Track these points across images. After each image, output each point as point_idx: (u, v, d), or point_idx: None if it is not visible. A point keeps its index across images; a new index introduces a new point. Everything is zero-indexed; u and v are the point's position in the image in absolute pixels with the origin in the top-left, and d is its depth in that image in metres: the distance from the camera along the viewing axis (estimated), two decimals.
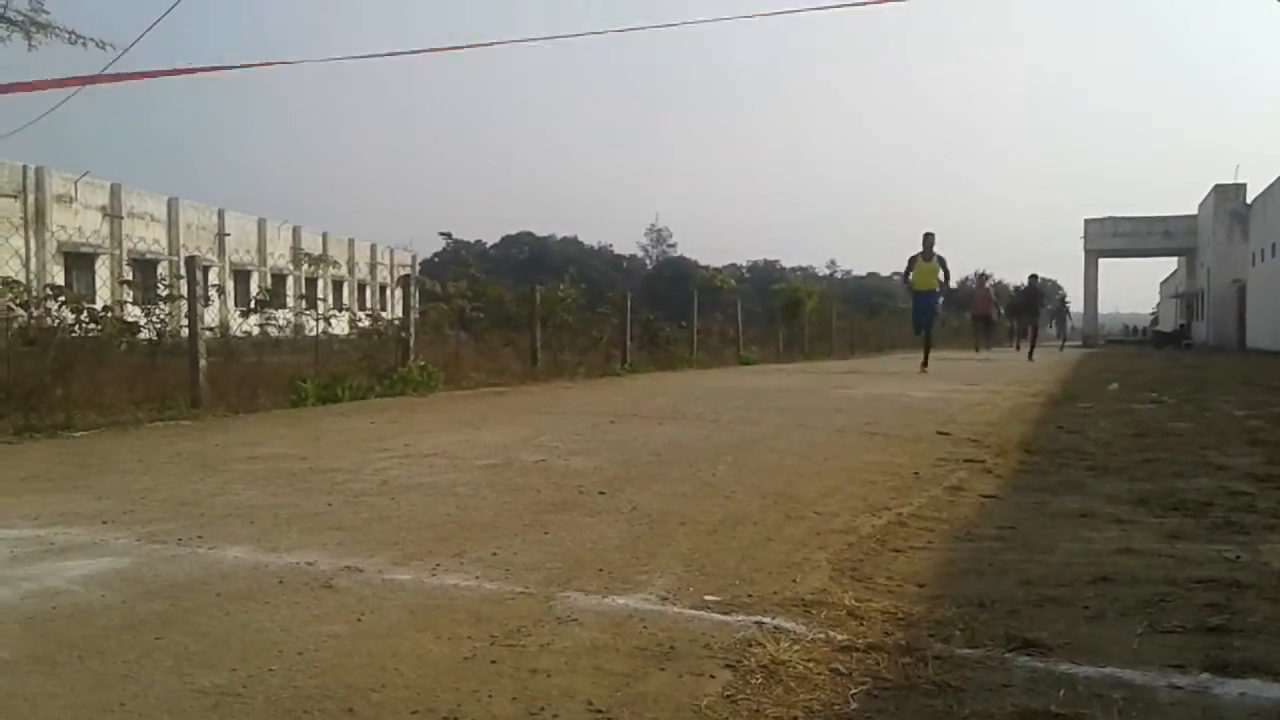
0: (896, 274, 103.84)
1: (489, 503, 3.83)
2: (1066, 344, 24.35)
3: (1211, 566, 2.90)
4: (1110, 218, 46.38)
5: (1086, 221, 46.60)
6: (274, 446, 5.45)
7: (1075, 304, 50.24)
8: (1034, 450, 5.58)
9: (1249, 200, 36.54)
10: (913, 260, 15.17)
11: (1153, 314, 70.73)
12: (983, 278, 25.70)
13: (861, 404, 8.73)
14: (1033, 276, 23.03)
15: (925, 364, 14.53)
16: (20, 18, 8.98)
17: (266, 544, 3.06)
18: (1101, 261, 47.22)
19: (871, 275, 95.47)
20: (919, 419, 7.26)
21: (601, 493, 4.05)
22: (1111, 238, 46.08)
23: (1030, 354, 20.41)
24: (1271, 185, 32.29)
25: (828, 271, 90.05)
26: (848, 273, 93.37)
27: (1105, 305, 53.74)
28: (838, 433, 6.33)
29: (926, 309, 15.42)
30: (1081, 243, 46.63)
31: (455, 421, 6.97)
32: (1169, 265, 57.61)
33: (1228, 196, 38.30)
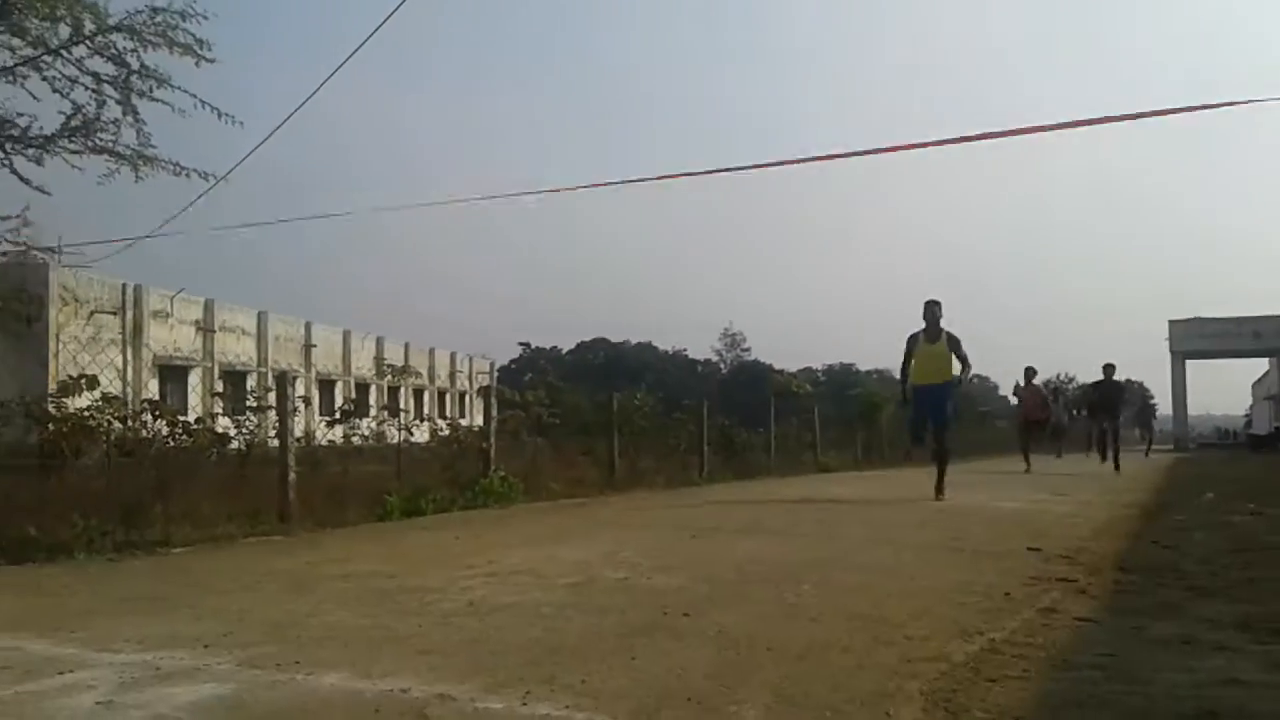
0: (977, 376, 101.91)
1: (575, 625, 3.85)
2: (1153, 448, 20.04)
3: None
4: (1196, 318, 45.41)
5: (1171, 323, 45.66)
6: (363, 564, 5.55)
7: (1163, 406, 48.94)
8: (1129, 568, 5.43)
9: None
10: (912, 341, 10.54)
11: (1246, 416, 68.45)
12: (1031, 372, 19.22)
13: (946, 515, 8.58)
14: (1109, 367, 18.82)
15: (940, 491, 10.27)
16: (129, 152, 9.58)
17: (361, 669, 3.12)
18: (1189, 363, 46.08)
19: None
20: (1008, 533, 7.12)
21: (686, 614, 4.04)
22: (1198, 339, 45.02)
23: (1116, 462, 17.54)
24: None
25: None
26: None
27: (1195, 407, 52.19)
28: (923, 548, 6.23)
29: (935, 409, 10.52)
30: (1166, 344, 45.63)
31: (537, 536, 7.02)
32: (1261, 366, 55.99)
33: None
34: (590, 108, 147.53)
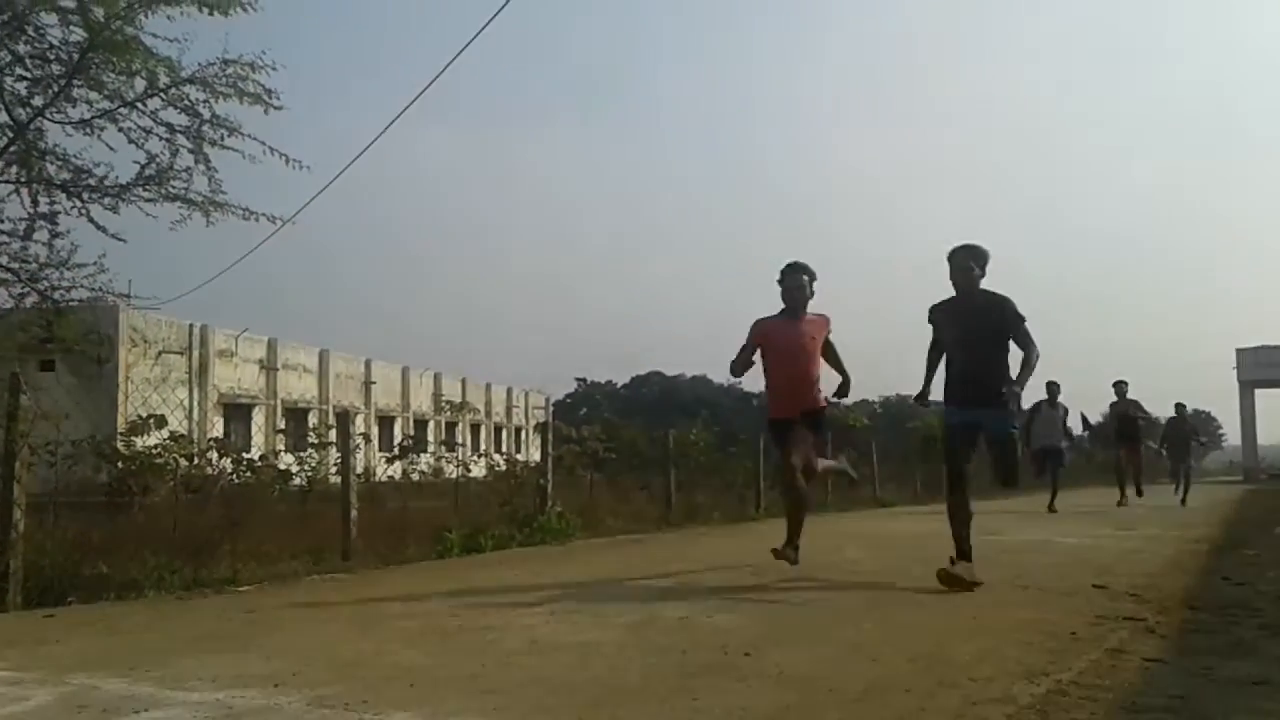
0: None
1: (635, 664, 3.86)
2: (1189, 490, 17.17)
3: None
4: (1264, 347, 44.35)
5: (1239, 351, 44.65)
6: (426, 602, 5.62)
7: (1231, 436, 47.65)
8: (1199, 606, 5.31)
9: None
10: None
11: None
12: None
13: (1009, 552, 8.46)
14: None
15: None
16: (200, 199, 9.89)
17: (428, 709, 3.17)
18: (1258, 391, 44.97)
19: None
20: (1072, 569, 7.00)
21: (747, 654, 4.04)
22: (1267, 367, 43.93)
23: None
24: None
25: None
26: None
27: (1265, 436, 50.76)
28: (986, 586, 6.14)
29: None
30: (1235, 373, 44.59)
31: (596, 574, 7.05)
32: None
33: None
34: (634, 139, 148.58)
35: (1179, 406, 18.83)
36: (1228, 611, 5.11)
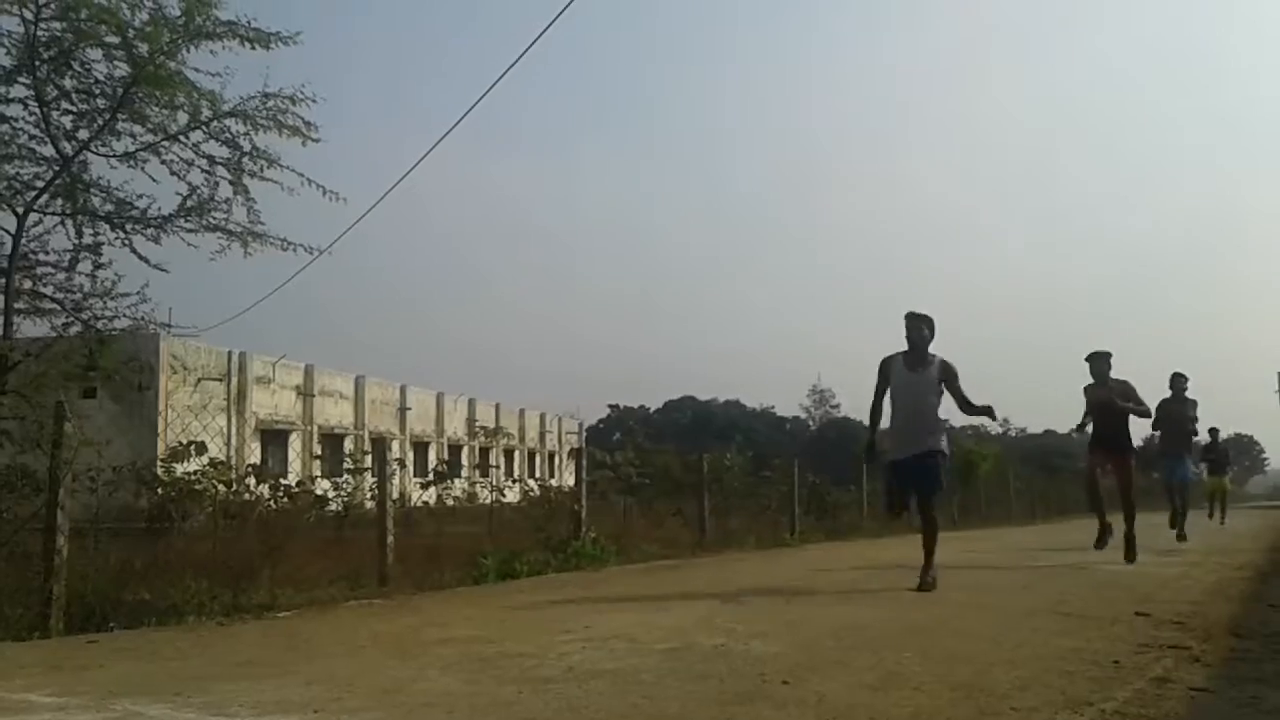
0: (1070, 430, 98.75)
1: (673, 693, 3.85)
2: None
3: None
4: None
5: None
6: (462, 628, 5.64)
7: (1275, 459, 46.85)
8: (1244, 634, 5.23)
9: None
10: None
11: None
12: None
13: (1049, 578, 8.36)
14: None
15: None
16: (240, 230, 10.04)
17: None
18: None
19: (1048, 433, 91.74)
20: (1114, 596, 6.91)
21: (785, 682, 4.01)
22: None
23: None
24: None
25: (1001, 430, 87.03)
26: (1022, 431, 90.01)
27: None
28: (1027, 614, 6.08)
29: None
30: (1277, 396, 43.85)
31: (631, 600, 7.04)
32: None
33: None
34: (678, 152, 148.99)
35: (1213, 431, 17.92)
36: (1274, 639, 5.03)
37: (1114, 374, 10.02)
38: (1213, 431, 18.45)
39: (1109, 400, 9.81)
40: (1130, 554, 9.56)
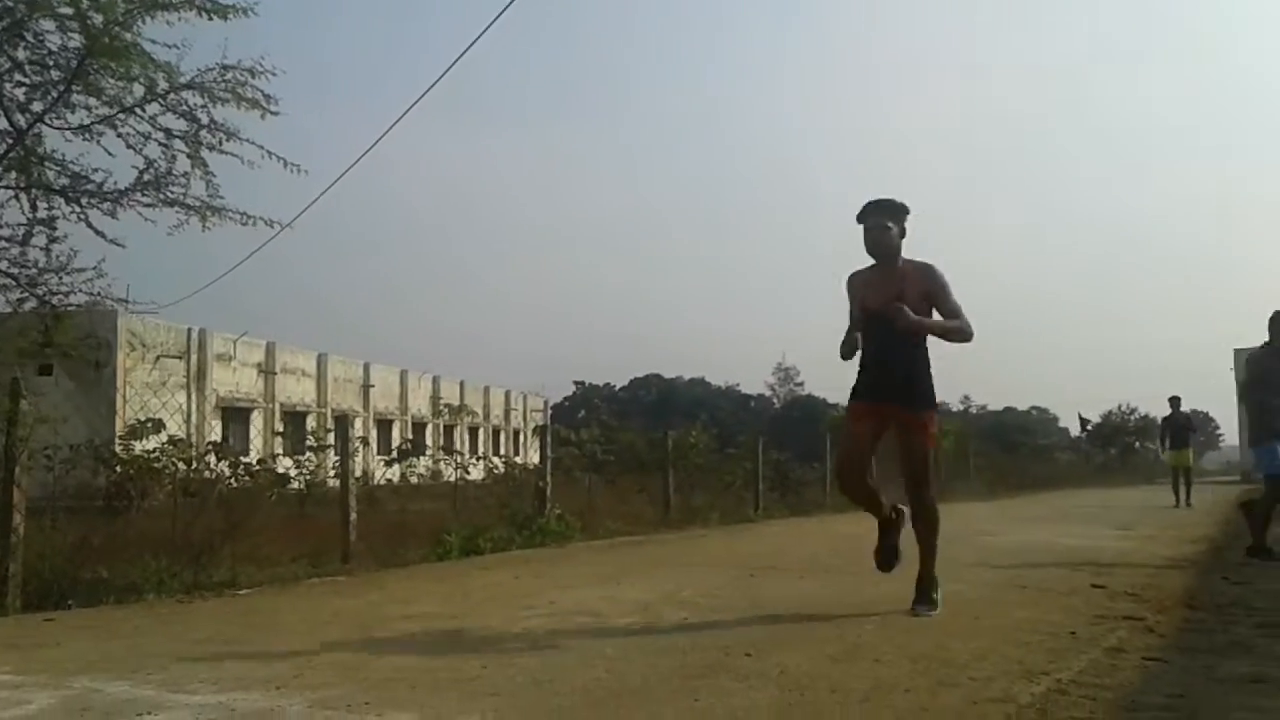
0: (1036, 408, 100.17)
1: (637, 666, 3.87)
2: (1189, 485, 17.00)
3: None
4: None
5: (1236, 352, 44.69)
6: (425, 604, 5.63)
7: (1229, 436, 47.81)
8: (1198, 605, 5.34)
9: None
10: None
11: None
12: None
13: (1008, 553, 8.47)
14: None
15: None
16: (198, 203, 9.90)
17: (429, 711, 3.17)
18: None
19: (1009, 409, 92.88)
20: (1071, 570, 7.01)
21: (748, 654, 4.05)
22: None
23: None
24: None
25: (962, 407, 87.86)
26: (983, 408, 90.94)
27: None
28: (986, 586, 6.16)
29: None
30: (1232, 374, 44.66)
31: (596, 576, 7.05)
32: None
33: None
34: (671, 137, 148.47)
35: (1174, 401, 17.72)
36: (1226, 611, 5.14)
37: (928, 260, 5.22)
38: (1174, 401, 17.61)
39: (893, 308, 4.96)
40: (922, 600, 5.12)
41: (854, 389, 5.30)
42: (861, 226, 5.14)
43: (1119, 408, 55.18)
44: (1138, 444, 49.25)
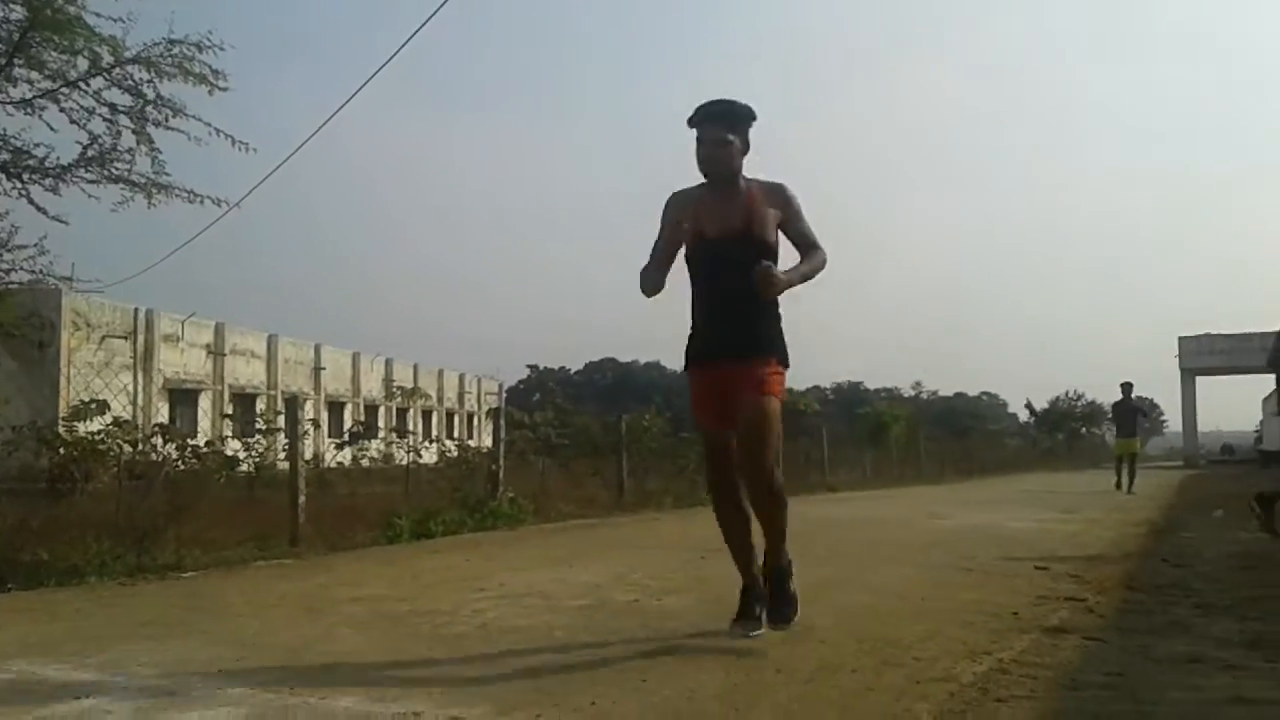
0: (986, 394, 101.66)
1: (585, 648, 3.88)
2: (1132, 473, 16.87)
3: None
4: (1206, 335, 45.38)
5: (1181, 339, 45.63)
6: (374, 587, 5.59)
7: (1173, 422, 48.81)
8: (1138, 587, 5.45)
9: None
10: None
11: (1256, 432, 68.08)
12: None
13: (956, 535, 8.59)
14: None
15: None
16: (143, 180, 9.68)
17: (374, 693, 3.15)
18: (1199, 379, 45.99)
19: (959, 395, 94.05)
20: (1016, 552, 7.12)
21: (696, 636, 4.07)
22: (1208, 355, 44.96)
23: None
24: None
25: (914, 393, 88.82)
26: (934, 393, 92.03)
27: (1205, 424, 52.10)
28: (932, 568, 6.25)
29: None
30: (1177, 361, 45.57)
31: (547, 558, 7.04)
32: (1270, 382, 55.70)
33: None
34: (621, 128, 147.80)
35: (1125, 386, 17.70)
36: (1165, 592, 5.25)
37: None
38: (1125, 387, 17.56)
39: (762, 275, 3.88)
40: (780, 615, 4.09)
41: (687, 351, 4.16)
42: (694, 135, 4.00)
43: (1066, 394, 56.07)
44: (1084, 429, 50.16)
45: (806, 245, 4.09)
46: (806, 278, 4.08)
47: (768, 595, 4.11)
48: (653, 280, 4.14)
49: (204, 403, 31.94)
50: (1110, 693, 3.15)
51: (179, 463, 9.06)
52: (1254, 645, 3.84)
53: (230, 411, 29.08)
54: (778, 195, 4.10)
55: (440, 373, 48.83)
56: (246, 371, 35.43)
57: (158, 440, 9.64)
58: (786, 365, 4.11)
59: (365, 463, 17.02)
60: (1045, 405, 55.08)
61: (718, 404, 4.02)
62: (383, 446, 18.92)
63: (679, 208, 4.12)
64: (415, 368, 46.25)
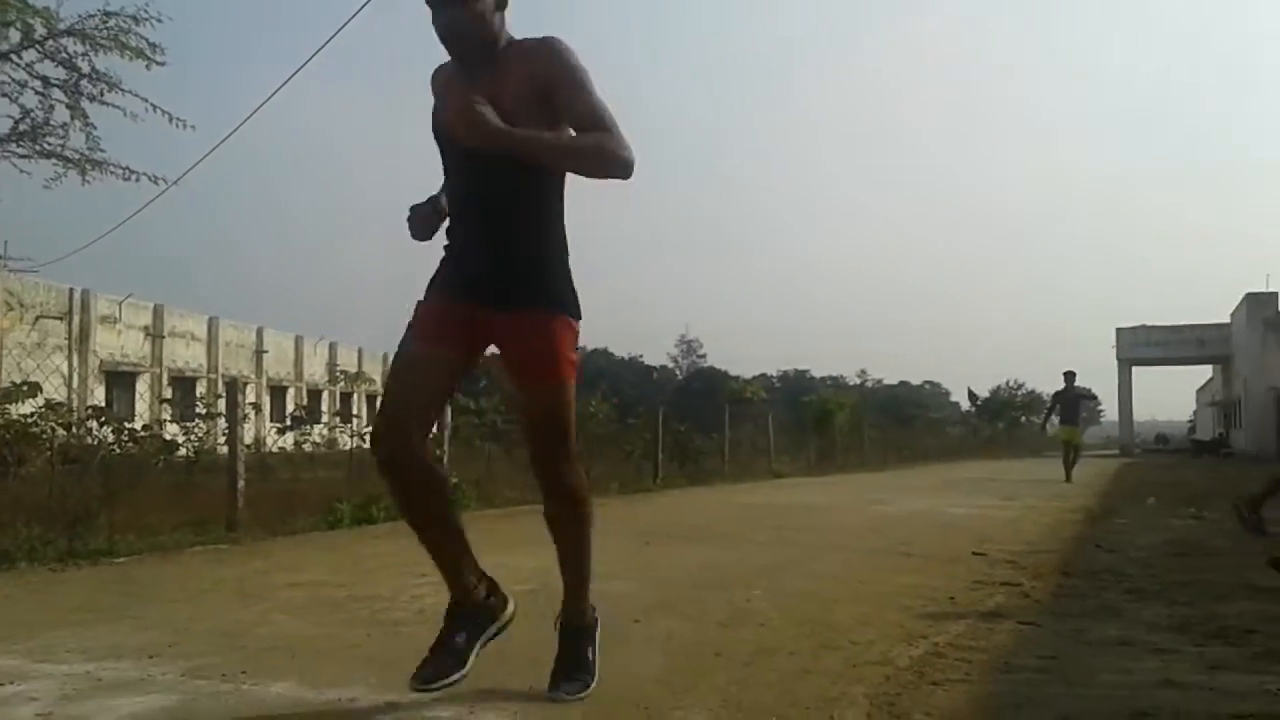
0: (929, 382, 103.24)
1: (524, 633, 3.83)
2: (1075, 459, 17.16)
3: (1253, 700, 2.87)
4: (1143, 326, 46.41)
5: (1118, 330, 46.61)
6: (313, 572, 5.51)
7: (1110, 412, 49.86)
8: (1072, 572, 5.54)
9: None
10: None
11: (1190, 422, 69.76)
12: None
13: (896, 521, 8.69)
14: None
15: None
16: (77, 156, 9.45)
17: (308, 679, 3.11)
18: (1135, 370, 47.02)
19: (903, 384, 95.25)
20: (954, 538, 7.23)
21: (636, 621, 4.07)
22: (1145, 346, 46.00)
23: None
24: None
25: (859, 381, 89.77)
26: (879, 382, 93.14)
27: (1141, 413, 53.30)
28: (872, 554, 6.31)
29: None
30: (1114, 351, 46.54)
31: (490, 544, 6.94)
32: (1204, 373, 57.18)
33: (1260, 305, 38.16)
34: None
35: (1068, 375, 17.64)
36: (1098, 577, 5.34)
37: None
38: (1068, 375, 17.55)
39: (462, 109, 2.56)
40: (567, 676, 3.11)
41: (430, 282, 2.93)
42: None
43: (1007, 383, 57.00)
44: (1024, 418, 51.07)
45: (588, 125, 2.67)
46: (556, 150, 2.71)
47: (557, 653, 3.13)
48: (423, 225, 2.90)
49: (142, 386, 31.33)
50: (1043, 675, 3.20)
51: (115, 447, 8.88)
52: (1183, 629, 3.92)
53: (169, 395, 28.55)
54: (544, 55, 2.73)
55: (385, 357, 48.29)
56: (186, 354, 34.83)
57: (93, 424, 9.45)
58: (578, 317, 2.91)
59: (308, 448, 16.81)
60: (986, 394, 56.00)
61: (454, 344, 2.85)
62: (326, 431, 18.68)
63: (434, 87, 2.97)
64: (360, 351, 45.73)
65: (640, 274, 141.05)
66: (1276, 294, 37.87)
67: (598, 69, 2.69)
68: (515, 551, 6.45)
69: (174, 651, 3.47)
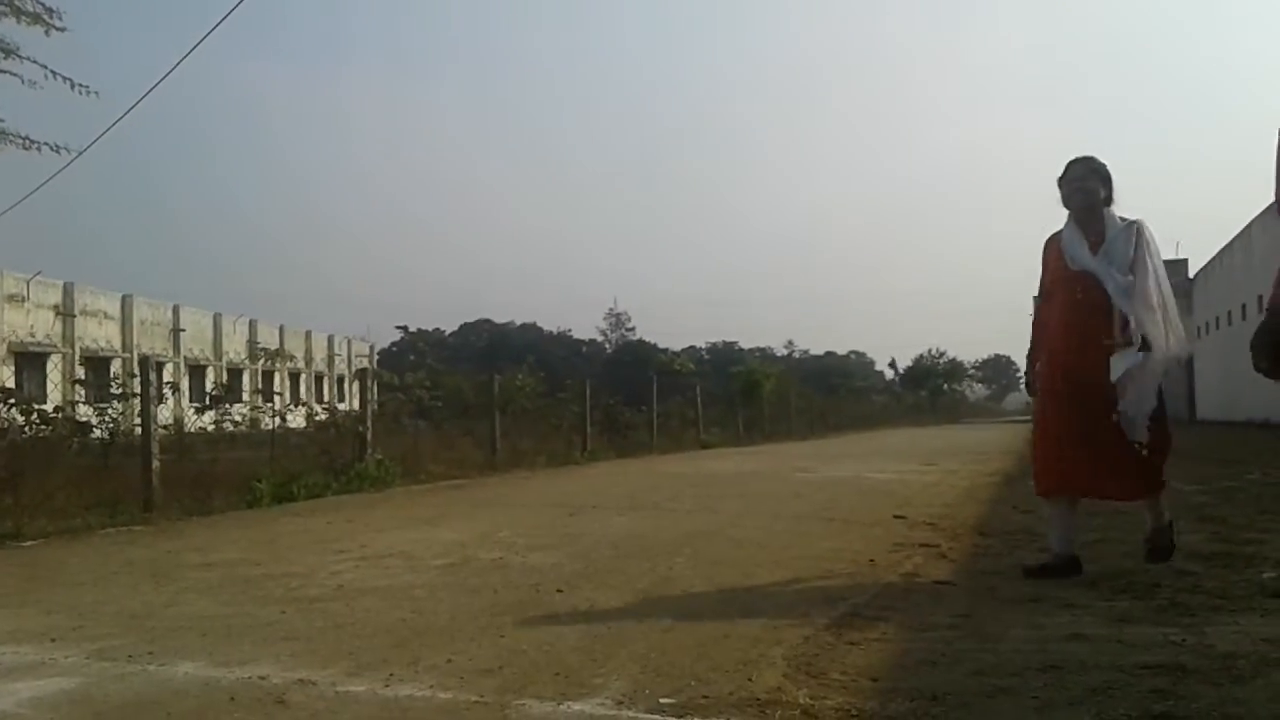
0: (854, 353, 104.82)
1: (445, 605, 3.81)
2: None
3: (1158, 651, 2.95)
4: None
5: (1035, 298, 47.65)
6: (228, 552, 5.39)
7: None
8: (987, 533, 5.66)
9: (1191, 275, 37.50)
10: None
11: None
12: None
13: (820, 488, 8.79)
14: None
15: None
16: None
17: (219, 657, 3.03)
18: None
19: (829, 354, 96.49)
20: (876, 502, 7.33)
21: (559, 591, 4.05)
22: None
23: None
24: (1211, 261, 33.28)
25: (785, 352, 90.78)
26: (805, 352, 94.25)
27: None
28: (796, 519, 6.37)
29: None
30: (1031, 319, 47.59)
31: (412, 519, 6.93)
32: None
33: (1171, 271, 39.14)
34: (476, 83, 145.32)
35: None
36: (1013, 537, 5.46)
37: None
38: None
39: None
40: None
41: None
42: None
43: (929, 351, 57.98)
44: (946, 386, 52.11)
45: None
46: None
47: None
48: None
49: (53, 368, 30.35)
50: (957, 633, 3.26)
51: (25, 429, 8.58)
52: (1092, 586, 4.02)
53: (82, 376, 27.70)
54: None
55: (308, 334, 47.49)
56: (99, 333, 33.78)
57: (0, 406, 9.11)
58: None
59: (229, 427, 16.43)
60: (909, 363, 56.92)
61: None
62: (247, 411, 18.29)
63: None
64: (281, 329, 44.85)
65: (568, 246, 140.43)
66: (1185, 261, 38.93)
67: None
68: (435, 526, 6.42)
69: (78, 634, 3.36)
